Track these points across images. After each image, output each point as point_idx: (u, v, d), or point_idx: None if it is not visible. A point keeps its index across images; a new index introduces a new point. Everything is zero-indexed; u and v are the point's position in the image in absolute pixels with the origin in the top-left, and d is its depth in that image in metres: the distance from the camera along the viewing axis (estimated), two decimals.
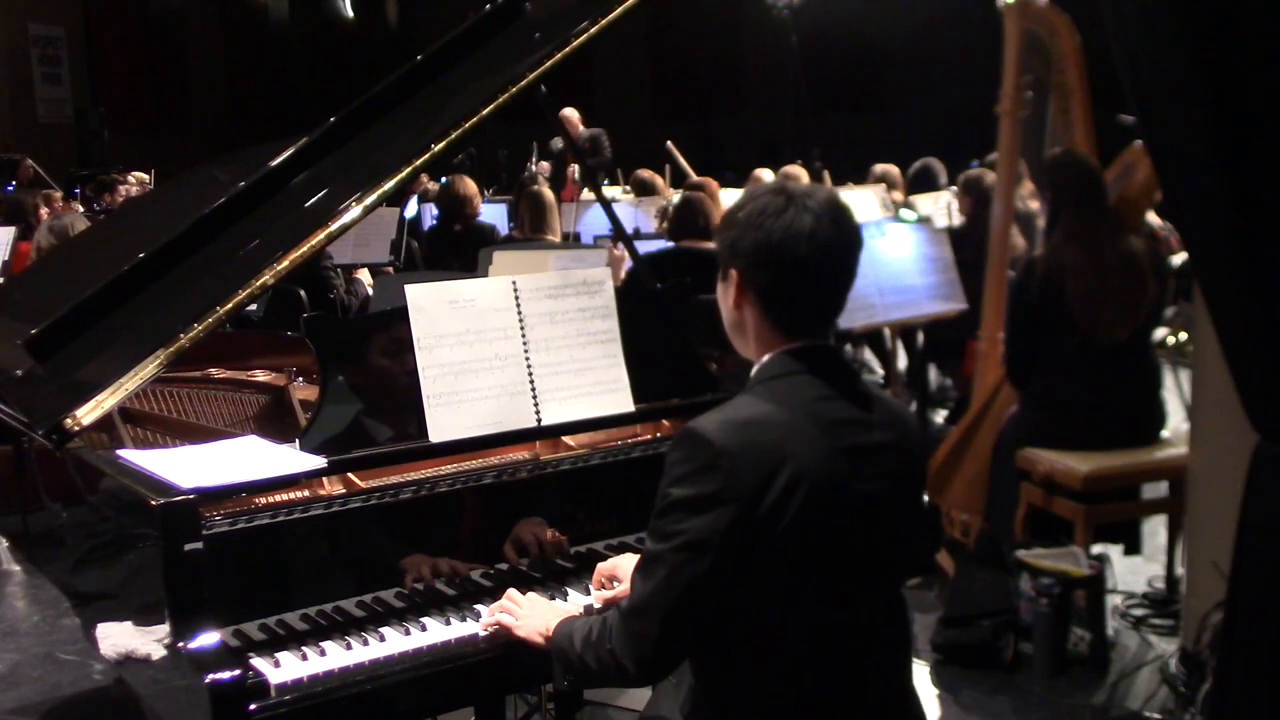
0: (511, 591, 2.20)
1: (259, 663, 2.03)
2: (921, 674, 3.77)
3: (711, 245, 4.81)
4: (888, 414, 1.87)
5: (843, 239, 1.82)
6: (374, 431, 2.36)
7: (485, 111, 2.66)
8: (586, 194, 8.03)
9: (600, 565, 2.31)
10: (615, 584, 2.24)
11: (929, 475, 4.55)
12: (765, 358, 1.86)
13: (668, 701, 2.07)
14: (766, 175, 7.94)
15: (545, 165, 9.65)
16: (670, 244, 5.45)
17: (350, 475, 2.31)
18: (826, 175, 9.77)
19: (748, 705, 1.80)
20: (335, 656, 2.08)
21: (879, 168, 8.54)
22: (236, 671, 1.95)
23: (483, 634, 2.17)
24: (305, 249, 2.48)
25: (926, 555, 4.38)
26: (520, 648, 2.10)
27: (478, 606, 2.26)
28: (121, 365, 2.29)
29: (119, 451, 2.36)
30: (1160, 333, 4.90)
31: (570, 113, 9.29)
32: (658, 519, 1.78)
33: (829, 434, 1.77)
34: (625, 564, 2.21)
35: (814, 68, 12.87)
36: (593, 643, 1.87)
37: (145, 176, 11.06)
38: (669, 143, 9.46)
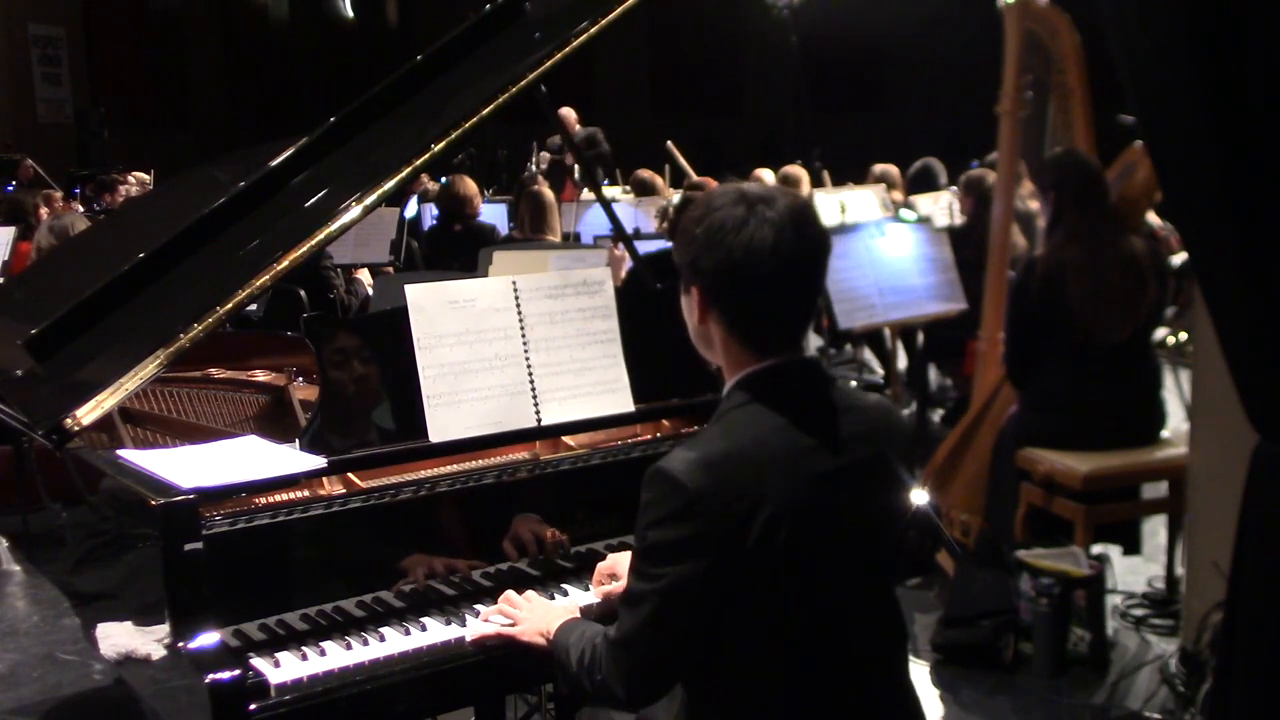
0: (509, 594, 2.20)
1: (259, 663, 2.03)
2: (921, 674, 3.77)
3: None
4: (864, 424, 1.82)
5: (807, 249, 1.75)
6: (374, 432, 2.36)
7: (485, 111, 2.66)
8: (586, 194, 8.03)
9: (600, 565, 2.31)
10: (615, 580, 2.24)
11: (929, 475, 4.55)
12: (731, 384, 1.81)
13: (660, 712, 2.07)
14: (767, 176, 7.93)
15: (546, 155, 9.62)
16: (670, 244, 5.45)
17: (350, 475, 2.31)
18: (826, 175, 9.77)
19: (741, 715, 1.80)
20: (335, 656, 2.08)
21: (879, 168, 8.55)
22: (236, 671, 1.94)
23: (480, 636, 2.15)
24: (305, 249, 2.47)
25: (926, 555, 4.37)
26: (520, 648, 2.10)
27: (478, 606, 2.25)
28: (121, 365, 2.29)
29: (119, 451, 2.36)
30: (1160, 333, 4.90)
31: (567, 112, 9.29)
32: (639, 559, 1.76)
33: (803, 463, 1.72)
34: (625, 561, 2.20)
35: (814, 68, 12.86)
36: (586, 667, 1.86)
37: (145, 176, 11.05)
38: (669, 143, 9.46)
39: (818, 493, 1.73)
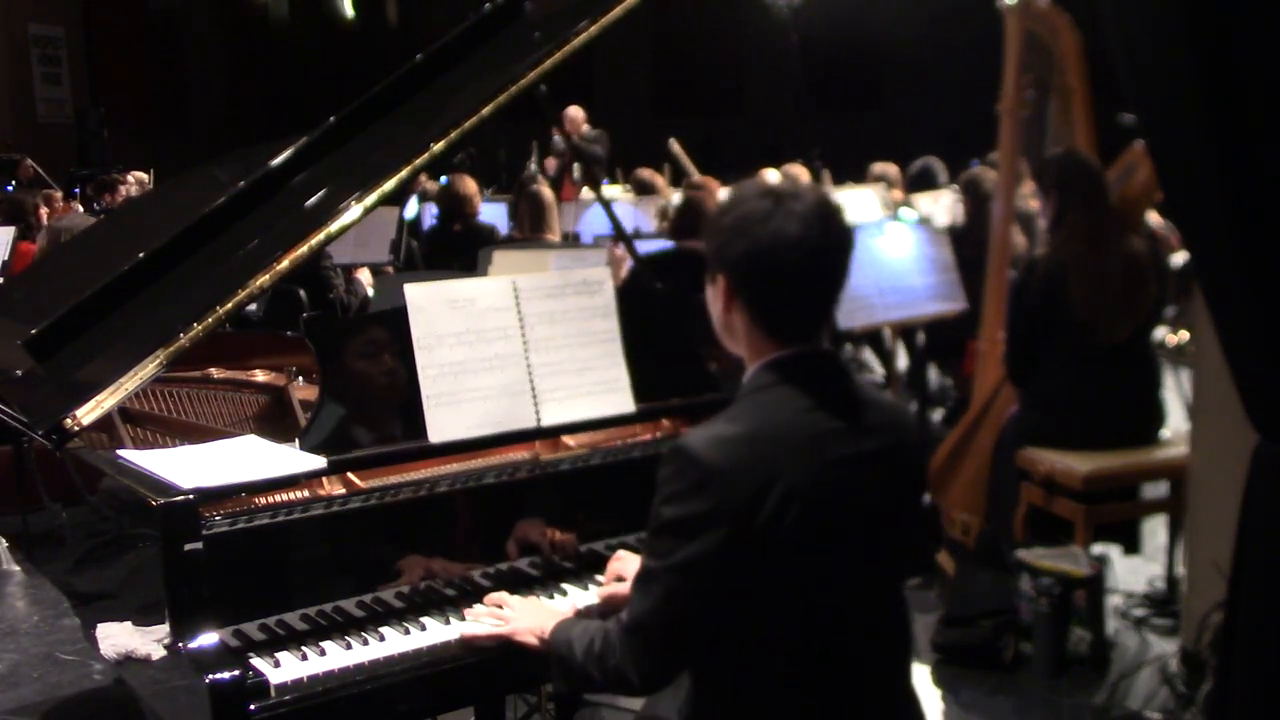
0: (502, 594, 2.21)
1: (259, 663, 2.03)
2: (921, 674, 3.77)
3: None
4: (883, 418, 1.84)
5: (832, 242, 1.78)
6: (374, 432, 2.36)
7: (485, 111, 2.66)
8: (586, 194, 8.03)
9: (613, 563, 2.32)
10: (622, 583, 2.24)
11: (929, 475, 4.55)
12: (754, 367, 1.83)
13: (665, 701, 2.07)
14: (772, 177, 7.92)
15: (552, 162, 9.63)
16: (670, 244, 5.45)
17: (350, 475, 2.31)
18: (826, 175, 9.76)
19: (745, 708, 1.80)
20: (335, 656, 2.08)
21: (878, 167, 8.53)
22: (236, 671, 1.95)
23: (471, 636, 2.15)
24: (305, 249, 2.47)
25: (926, 555, 4.37)
26: (513, 647, 2.10)
27: (477, 607, 2.25)
28: (121, 365, 2.29)
29: (119, 451, 2.36)
30: (1160, 333, 4.90)
31: (575, 111, 9.27)
32: (652, 536, 1.77)
33: (820, 447, 1.75)
34: (633, 564, 2.20)
35: (814, 68, 12.85)
36: (596, 655, 1.86)
37: (145, 176, 11.04)
38: (673, 141, 9.44)
39: (833, 477, 1.74)
